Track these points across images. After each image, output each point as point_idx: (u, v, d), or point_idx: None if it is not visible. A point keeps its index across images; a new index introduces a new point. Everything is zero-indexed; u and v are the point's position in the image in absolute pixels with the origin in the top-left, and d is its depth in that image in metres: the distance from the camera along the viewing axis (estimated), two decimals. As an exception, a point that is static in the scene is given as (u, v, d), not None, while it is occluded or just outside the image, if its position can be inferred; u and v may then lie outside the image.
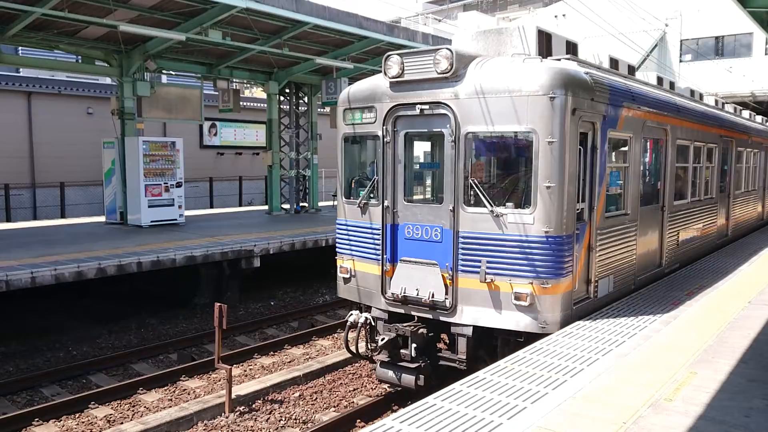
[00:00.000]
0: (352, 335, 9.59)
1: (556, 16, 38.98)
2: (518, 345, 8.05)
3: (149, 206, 18.89)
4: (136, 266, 13.25)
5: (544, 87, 7.82)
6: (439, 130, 8.50)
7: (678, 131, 11.99)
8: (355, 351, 9.45)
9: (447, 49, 8.26)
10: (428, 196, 9.33)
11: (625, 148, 9.97)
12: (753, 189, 19.49)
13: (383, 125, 8.99)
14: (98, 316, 14.48)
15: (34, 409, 9.22)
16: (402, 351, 8.66)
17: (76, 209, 27.65)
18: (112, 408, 9.61)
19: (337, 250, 10.05)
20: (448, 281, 8.51)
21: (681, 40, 37.04)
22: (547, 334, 7.96)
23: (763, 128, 21.38)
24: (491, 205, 8.14)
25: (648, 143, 11.13)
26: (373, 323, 9.37)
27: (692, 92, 15.86)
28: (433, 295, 8.59)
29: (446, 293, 8.53)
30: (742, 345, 7.31)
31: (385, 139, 8.99)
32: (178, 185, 19.59)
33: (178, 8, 16.38)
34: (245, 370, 11.27)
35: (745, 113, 21.60)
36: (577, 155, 8.19)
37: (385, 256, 9.11)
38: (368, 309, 9.58)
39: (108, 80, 28.12)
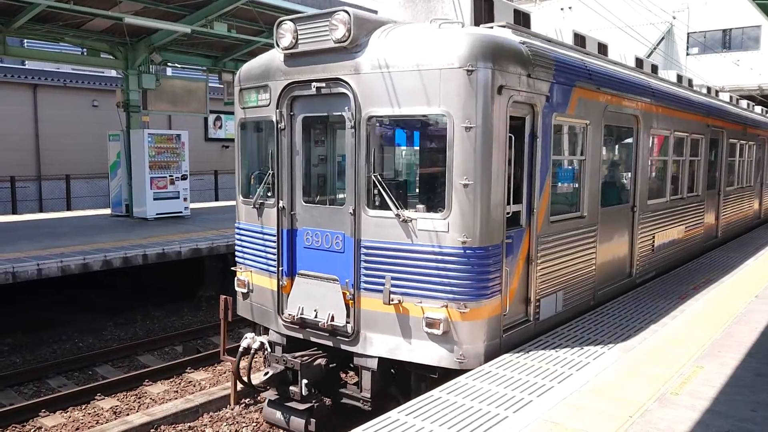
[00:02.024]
0: (253, 362, 7.96)
1: (562, 9, 37.99)
2: (436, 382, 6.44)
3: (154, 199, 18.85)
4: (141, 258, 13.25)
5: (460, 58, 6.14)
6: (340, 113, 6.83)
7: (653, 119, 10.28)
8: (247, 381, 7.81)
9: (344, 11, 6.59)
10: (332, 196, 7.66)
11: (580, 138, 8.28)
12: (748, 185, 17.74)
13: (277, 108, 7.33)
14: (104, 308, 14.46)
15: (40, 400, 9.29)
16: (291, 388, 7.03)
17: (81, 202, 28.03)
18: (118, 399, 9.65)
19: (236, 259, 8.43)
20: (350, 301, 6.88)
21: (688, 33, 36.43)
22: (467, 370, 6.32)
23: (761, 119, 19.58)
24: (397, 208, 6.48)
25: (613, 132, 9.44)
26: (270, 349, 7.74)
27: (680, 77, 14.11)
28: (332, 318, 6.95)
29: (348, 316, 6.89)
30: (749, 339, 7.20)
31: (279, 125, 7.34)
32: (184, 178, 19.50)
33: (183, 0, 15.94)
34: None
35: (743, 103, 19.84)
36: (506, 145, 6.52)
37: (281, 268, 7.47)
38: (267, 331, 7.96)
39: (113, 73, 28.22)
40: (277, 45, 7.16)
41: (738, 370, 6.23)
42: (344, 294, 6.88)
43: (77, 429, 8.68)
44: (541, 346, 7.05)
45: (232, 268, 8.36)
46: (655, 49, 35.21)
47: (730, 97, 18.37)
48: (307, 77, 7.02)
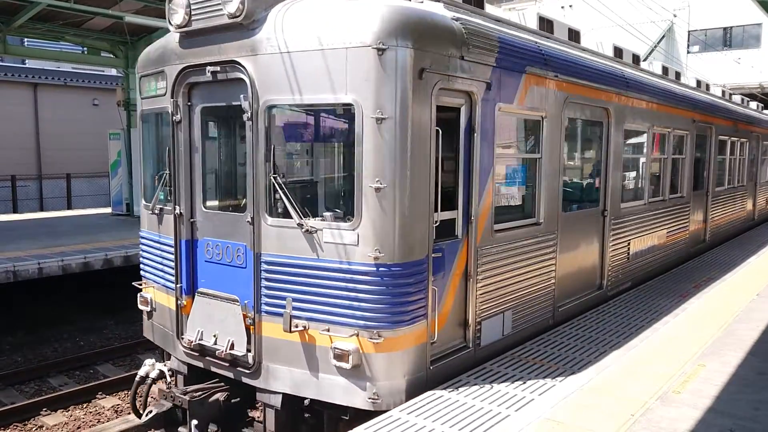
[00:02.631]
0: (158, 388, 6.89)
1: (563, 7, 36.80)
2: (351, 424, 5.37)
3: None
4: (143, 257, 13.10)
5: (369, 35, 5.05)
6: (238, 103, 5.72)
7: (627, 112, 9.19)
8: (142, 413, 6.73)
9: (237, -20, 5.49)
10: (235, 201, 6.56)
11: (534, 133, 7.19)
12: (740, 185, 16.63)
13: (172, 97, 6.24)
14: (105, 306, 14.34)
15: (41, 399, 9.30)
16: (180, 429, 5.95)
17: (82, 200, 28.27)
18: (119, 398, 9.65)
19: (141, 273, 7.35)
20: (251, 326, 5.79)
21: (689, 31, 35.75)
22: (383, 411, 5.24)
23: (755, 114, 18.45)
24: (299, 216, 5.39)
25: (577, 127, 8.35)
26: (169, 378, 6.67)
27: (665, 69, 13.03)
28: (232, 345, 5.87)
29: (249, 343, 5.81)
30: (751, 338, 7.15)
31: (174, 118, 6.24)
32: None
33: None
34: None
35: (736, 98, 18.73)
36: (432, 140, 5.42)
37: (179, 285, 6.38)
38: (171, 357, 6.89)
39: (114, 71, 28.50)
40: (170, 23, 6.06)
41: (740, 368, 6.17)
42: (245, 317, 5.80)
43: (78, 428, 8.66)
44: (481, 377, 5.97)
45: (134, 283, 7.28)
46: (655, 47, 34.52)
47: (723, 92, 17.27)
48: (203, 60, 5.93)
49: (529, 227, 7.00)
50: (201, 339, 6.12)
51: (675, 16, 35.15)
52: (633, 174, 10.24)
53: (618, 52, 10.77)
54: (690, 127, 12.01)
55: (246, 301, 5.77)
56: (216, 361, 6.02)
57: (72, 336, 12.84)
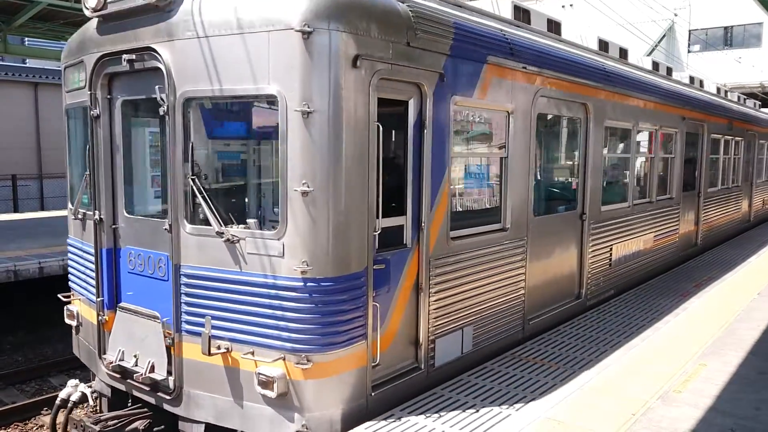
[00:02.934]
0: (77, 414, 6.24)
1: (563, 6, 36.71)
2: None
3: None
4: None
5: (293, 16, 4.40)
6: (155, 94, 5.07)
7: (608, 108, 8.54)
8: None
9: (151, -45, 4.85)
10: (159, 206, 5.90)
11: (500, 129, 6.54)
12: (735, 185, 15.97)
13: (90, 90, 5.59)
14: None
15: (42, 398, 9.13)
16: (91, 463, 5.31)
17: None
18: None
19: (69, 284, 6.72)
20: (171, 347, 5.15)
21: (689, 30, 35.71)
22: (315, 446, 4.61)
23: (750, 112, 17.77)
24: (219, 223, 4.75)
25: (550, 123, 7.71)
26: (92, 401, 6.03)
27: (656, 65, 12.36)
28: (152, 367, 5.23)
29: (170, 365, 5.17)
30: (752, 337, 7.12)
31: (92, 112, 5.60)
32: None
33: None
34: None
35: (733, 95, 18.06)
36: (372, 137, 4.78)
37: (100, 299, 5.74)
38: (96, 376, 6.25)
39: None
40: (85, 6, 5.41)
41: (741, 367, 6.15)
42: (166, 336, 5.16)
43: (80, 428, 8.44)
44: (432, 402, 5.32)
45: (60, 296, 6.65)
46: (656, 46, 34.39)
47: (718, 89, 16.60)
48: (119, 48, 5.28)
49: (493, 234, 6.35)
50: (122, 359, 5.49)
51: (676, 15, 34.88)
52: (616, 175, 9.61)
53: (603, 45, 10.12)
54: (680, 125, 11.36)
55: (166, 319, 5.13)
56: (138, 384, 5.38)
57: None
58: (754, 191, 18.29)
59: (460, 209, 6.08)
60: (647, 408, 5.22)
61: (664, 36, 35.77)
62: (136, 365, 5.34)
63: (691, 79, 14.43)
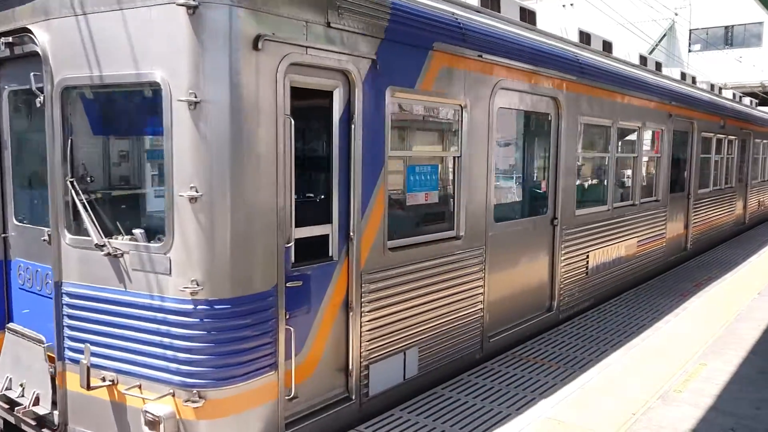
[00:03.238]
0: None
1: (564, 6, 36.75)
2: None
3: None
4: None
5: (178, -13, 3.69)
6: (40, 84, 4.36)
7: (583, 103, 7.82)
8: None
9: None
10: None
11: (450, 126, 5.83)
12: (728, 186, 15.25)
13: (-28, 79, 4.88)
14: None
15: None
16: None
17: None
18: None
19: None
20: (55, 376, 4.44)
21: (690, 30, 35.77)
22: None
23: (745, 110, 17.04)
24: (99, 234, 4.03)
25: (513, 119, 7.00)
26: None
27: (643, 59, 11.64)
28: (37, 399, 4.52)
29: (54, 398, 4.46)
30: (752, 337, 7.11)
31: (-25, 105, 4.89)
32: None
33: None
34: None
35: (728, 93, 17.31)
36: (283, 134, 4.06)
37: (-11, 318, 5.03)
38: (-6, 404, 5.53)
39: None
40: (-38, -18, 4.70)
41: (741, 367, 6.13)
42: (50, 364, 4.45)
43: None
44: (364, 439, 4.64)
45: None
46: (657, 46, 34.31)
47: (711, 86, 15.84)
48: (-1, 30, 4.58)
49: (443, 243, 5.63)
50: (9, 388, 4.78)
51: (676, 14, 34.79)
52: (594, 176, 8.90)
53: (584, 37, 9.39)
54: (666, 123, 10.64)
55: (50, 344, 4.42)
56: (24, 417, 4.67)
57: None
58: (749, 192, 17.49)
59: (403, 216, 5.36)
60: (648, 408, 5.16)
61: (664, 35, 35.64)
62: (22, 395, 4.64)
63: (683, 75, 13.70)
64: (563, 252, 7.61)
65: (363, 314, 4.78)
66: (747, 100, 19.39)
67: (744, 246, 13.51)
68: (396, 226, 5.14)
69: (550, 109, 7.24)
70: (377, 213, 4.85)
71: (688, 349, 6.71)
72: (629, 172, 9.81)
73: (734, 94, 17.75)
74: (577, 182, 8.05)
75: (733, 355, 6.49)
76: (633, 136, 9.74)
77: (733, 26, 34.46)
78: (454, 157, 5.78)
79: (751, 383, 5.74)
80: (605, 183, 8.89)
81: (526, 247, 6.99)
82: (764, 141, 18.89)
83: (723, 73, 31.41)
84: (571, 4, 35.72)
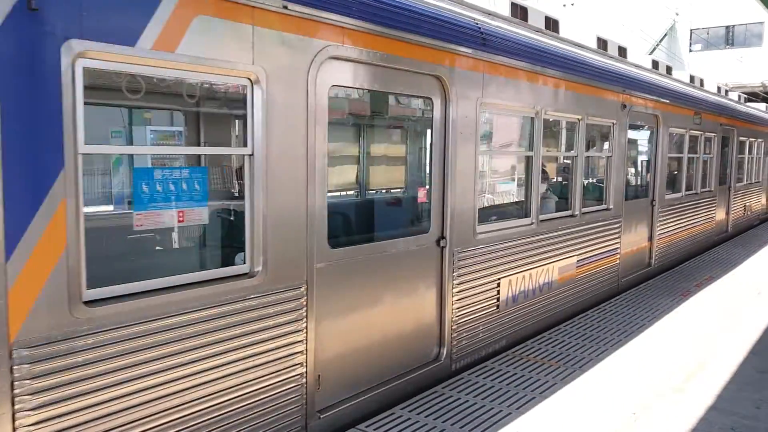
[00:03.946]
0: None
1: (564, 5, 36.05)
2: None
3: None
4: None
5: None
6: None
7: (489, 85, 5.92)
8: None
9: None
10: None
11: (234, 110, 3.96)
12: (706, 190, 13.34)
13: None
14: None
15: None
16: None
17: None
18: None
19: None
20: None
21: (691, 30, 35.78)
22: None
23: (728, 104, 15.05)
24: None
25: (362, 103, 5.14)
26: None
27: (604, 43, 9.87)
28: None
29: None
30: (752, 336, 7.07)
31: None
32: None
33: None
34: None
35: (711, 85, 15.44)
36: None
37: None
38: None
39: None
40: None
41: (741, 366, 6.12)
42: None
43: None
44: None
45: None
46: (657, 45, 34.32)
47: (692, 78, 13.97)
48: None
49: (224, 283, 3.73)
50: None
51: (677, 14, 35.03)
52: (509, 181, 7.05)
53: (519, 11, 7.56)
54: (620, 115, 8.74)
55: None
56: None
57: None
58: (733, 197, 15.54)
59: (120, 247, 3.47)
60: (648, 407, 5.16)
61: (665, 35, 35.51)
62: None
63: (655, 63, 11.84)
64: (457, 282, 5.71)
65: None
66: (734, 94, 17.68)
67: (712, 266, 11.63)
68: (102, 265, 3.26)
69: (432, 91, 5.34)
70: (48, 248, 2.95)
71: (689, 348, 6.67)
72: (565, 175, 7.95)
73: (719, 88, 15.90)
74: (485, 189, 6.19)
75: (734, 355, 6.45)
76: (566, 130, 7.85)
77: (734, 26, 34.33)
78: (245, 156, 3.89)
79: (750, 383, 5.73)
80: (527, 190, 6.98)
81: (391, 279, 5.10)
82: (751, 139, 16.83)
83: (724, 73, 31.20)
84: (572, 4, 34.88)
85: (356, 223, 5.83)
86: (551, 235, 7.30)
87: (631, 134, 9.39)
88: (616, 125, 8.70)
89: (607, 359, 6.31)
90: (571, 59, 7.53)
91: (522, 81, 6.47)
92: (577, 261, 7.96)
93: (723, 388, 5.60)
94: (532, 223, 6.92)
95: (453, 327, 5.74)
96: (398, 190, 7.20)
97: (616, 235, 9.01)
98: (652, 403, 5.26)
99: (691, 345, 6.79)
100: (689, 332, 7.25)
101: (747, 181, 16.98)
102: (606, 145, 8.88)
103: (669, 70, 12.67)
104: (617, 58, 9.63)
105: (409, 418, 4.84)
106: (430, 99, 5.36)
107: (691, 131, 11.89)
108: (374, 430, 4.65)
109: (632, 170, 10.30)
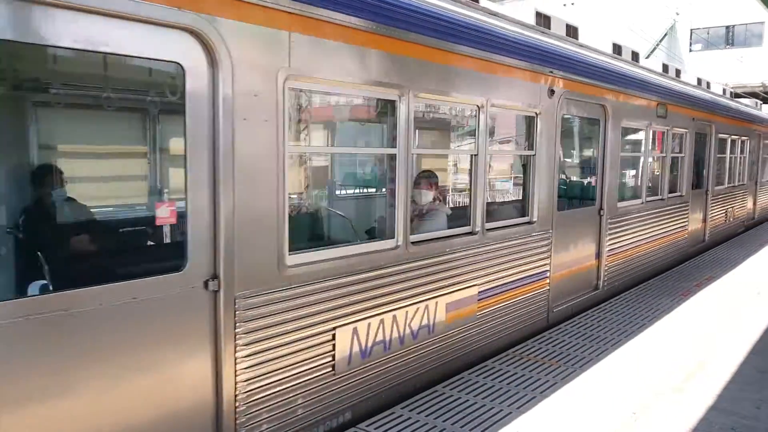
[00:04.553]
0: None
1: (564, 5, 36.75)
2: None
3: None
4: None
5: None
6: None
7: (303, 50, 4.14)
8: None
9: None
10: None
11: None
12: (676, 196, 11.26)
13: None
14: None
15: None
16: None
17: None
18: None
19: None
20: None
21: (691, 29, 35.90)
22: None
23: (704, 96, 12.85)
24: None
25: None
26: None
27: (546, 20, 7.72)
28: None
29: None
30: (752, 336, 7.05)
31: None
32: None
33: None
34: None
35: (690, 78, 13.56)
36: None
37: None
38: None
39: None
40: None
41: (742, 366, 6.10)
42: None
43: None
44: None
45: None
46: (658, 45, 34.36)
47: (665, 67, 11.79)
48: None
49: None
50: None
51: (677, 14, 35.27)
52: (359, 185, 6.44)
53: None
54: (546, 103, 6.81)
55: None
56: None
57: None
58: (711, 202, 13.33)
59: None
60: (648, 407, 5.16)
61: (665, 35, 35.78)
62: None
63: (616, 47, 9.69)
64: (244, 342, 3.93)
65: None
66: (719, 87, 15.72)
67: (720, 260, 11.47)
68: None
69: (186, 53, 3.54)
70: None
71: (689, 348, 6.66)
72: (465, 180, 6.75)
73: (699, 80, 14.06)
74: (309, 199, 5.43)
75: (734, 355, 6.44)
76: (477, 122, 6.01)
77: (734, 26, 34.37)
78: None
79: (751, 383, 5.71)
80: (396, 200, 5.11)
81: (99, 349, 3.30)
82: (734, 137, 14.67)
83: (724, 73, 31.40)
84: (572, 3, 35.52)
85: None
86: (434, 260, 5.45)
87: (569, 127, 8.06)
88: (540, 116, 6.73)
89: (607, 359, 6.31)
90: (453, 21, 5.55)
91: (371, 49, 4.65)
92: (480, 292, 6.07)
93: (723, 388, 5.60)
94: (397, 247, 5.05)
95: (239, 407, 3.91)
96: (132, 205, 5.26)
97: (544, 255, 7.12)
98: (652, 402, 5.26)
99: (691, 345, 6.79)
100: (689, 332, 7.25)
101: (729, 183, 14.92)
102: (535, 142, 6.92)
103: (636, 56, 10.45)
104: (536, 27, 7.42)
105: (409, 417, 4.82)
106: (180, 65, 3.52)
107: (655, 126, 9.89)
108: (375, 429, 4.64)
109: (574, 172, 8.94)
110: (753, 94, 27.02)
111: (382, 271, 4.91)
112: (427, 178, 5.94)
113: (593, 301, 8.43)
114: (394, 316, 5.07)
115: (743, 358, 6.39)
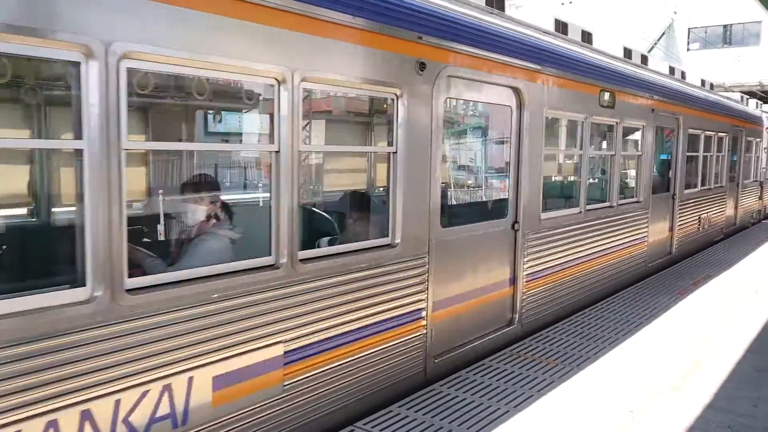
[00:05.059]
0: None
1: (563, 4, 37.10)
2: None
3: None
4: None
5: None
6: None
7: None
8: None
9: None
10: None
11: None
12: (633, 202, 9.72)
13: None
14: None
15: None
16: None
17: None
18: None
19: None
20: None
21: (689, 28, 35.98)
22: None
23: (663, 82, 10.91)
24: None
25: None
26: None
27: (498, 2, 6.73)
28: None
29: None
30: (749, 335, 7.09)
31: None
32: None
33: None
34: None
35: (662, 66, 11.98)
36: None
37: None
38: None
39: None
40: None
41: (738, 365, 6.13)
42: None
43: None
44: None
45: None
46: (656, 44, 34.37)
47: (627, 51, 10.18)
48: None
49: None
50: None
51: (675, 13, 35.27)
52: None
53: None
54: (412, 82, 5.03)
55: None
56: None
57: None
58: (679, 208, 11.58)
59: None
60: (645, 405, 5.17)
61: (663, 34, 35.77)
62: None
63: (559, 23, 8.15)
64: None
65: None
66: (697, 78, 13.96)
67: (717, 259, 11.38)
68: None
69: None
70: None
71: (686, 346, 6.69)
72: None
73: (672, 68, 12.26)
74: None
75: (731, 353, 6.46)
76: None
77: (731, 25, 34.35)
78: None
79: (748, 381, 5.74)
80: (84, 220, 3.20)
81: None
82: (709, 132, 12.88)
83: (721, 72, 31.29)
84: (570, 2, 35.72)
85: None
86: (178, 316, 3.50)
87: (463, 116, 6.95)
88: (401, 99, 4.95)
89: (605, 357, 6.33)
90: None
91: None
92: (287, 352, 4.17)
93: (720, 387, 5.61)
94: (87, 301, 3.11)
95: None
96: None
97: (416, 288, 5.29)
98: (649, 401, 5.27)
99: (688, 343, 6.81)
100: (686, 331, 7.27)
101: (704, 186, 13.07)
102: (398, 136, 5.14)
103: (589, 37, 8.70)
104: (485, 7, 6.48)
105: (407, 416, 4.81)
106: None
107: (596, 118, 8.11)
108: (372, 427, 4.63)
109: (473, 177, 7.75)
110: (750, 93, 26.96)
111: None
112: (195, 185, 4.22)
113: (507, 340, 6.64)
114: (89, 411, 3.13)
115: (740, 357, 6.42)
